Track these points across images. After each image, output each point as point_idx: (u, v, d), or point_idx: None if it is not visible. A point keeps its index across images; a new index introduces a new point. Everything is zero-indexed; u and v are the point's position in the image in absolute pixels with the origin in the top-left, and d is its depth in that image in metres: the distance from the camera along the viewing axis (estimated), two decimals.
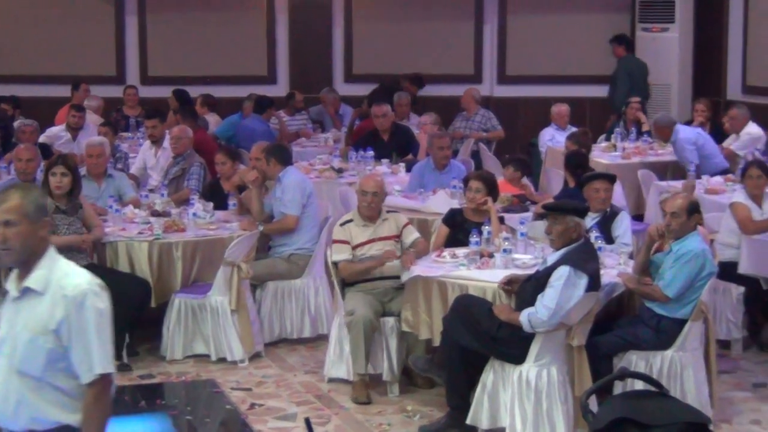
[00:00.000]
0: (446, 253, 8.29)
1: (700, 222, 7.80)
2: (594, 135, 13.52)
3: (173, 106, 14.67)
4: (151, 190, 11.03)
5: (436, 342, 7.72)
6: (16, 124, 13.54)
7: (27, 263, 4.44)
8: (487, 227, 8.52)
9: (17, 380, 4.42)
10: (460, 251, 8.27)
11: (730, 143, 12.73)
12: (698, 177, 11.43)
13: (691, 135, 12.34)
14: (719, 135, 13.27)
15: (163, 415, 7.81)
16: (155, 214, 9.62)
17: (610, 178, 9.15)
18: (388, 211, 8.73)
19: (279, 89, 16.34)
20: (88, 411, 4.41)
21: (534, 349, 7.08)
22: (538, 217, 7.78)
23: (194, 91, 15.18)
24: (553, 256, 7.27)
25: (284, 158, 9.77)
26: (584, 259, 7.12)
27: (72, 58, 16.86)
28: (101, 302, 4.40)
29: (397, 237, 8.55)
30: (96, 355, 4.39)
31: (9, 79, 16.50)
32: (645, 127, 14.14)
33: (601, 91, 16.15)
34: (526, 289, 7.25)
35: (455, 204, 9.60)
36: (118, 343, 8.76)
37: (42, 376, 4.39)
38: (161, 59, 16.93)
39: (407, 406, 8.00)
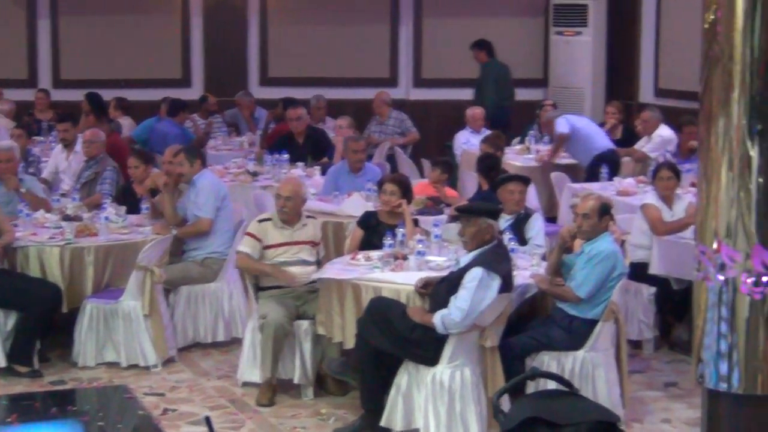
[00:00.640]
0: (361, 255, 8.27)
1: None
2: (508, 138, 13.60)
3: (86, 109, 14.50)
4: (63, 194, 10.87)
5: (350, 344, 7.70)
6: None
7: None
8: (401, 230, 8.53)
9: None
10: (375, 254, 8.27)
11: (642, 145, 12.86)
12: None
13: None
14: (632, 137, 13.41)
15: (75, 422, 7.69)
16: (67, 218, 9.50)
17: (524, 180, 9.21)
18: (308, 216, 8.65)
19: (194, 92, 16.21)
20: None
21: (447, 350, 7.10)
22: (452, 219, 7.80)
23: (108, 95, 15.00)
24: (466, 258, 7.29)
25: (204, 160, 9.76)
26: (497, 261, 7.15)
27: None
28: None
29: (314, 243, 8.50)
30: None
31: None
32: None
33: (517, 94, 16.24)
34: (440, 290, 7.27)
35: (370, 207, 9.60)
36: (29, 348, 8.68)
37: None
38: (74, 62, 16.72)
39: (321, 409, 7.97)
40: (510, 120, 15.18)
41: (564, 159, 12.95)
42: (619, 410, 7.41)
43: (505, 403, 6.39)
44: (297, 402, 8.13)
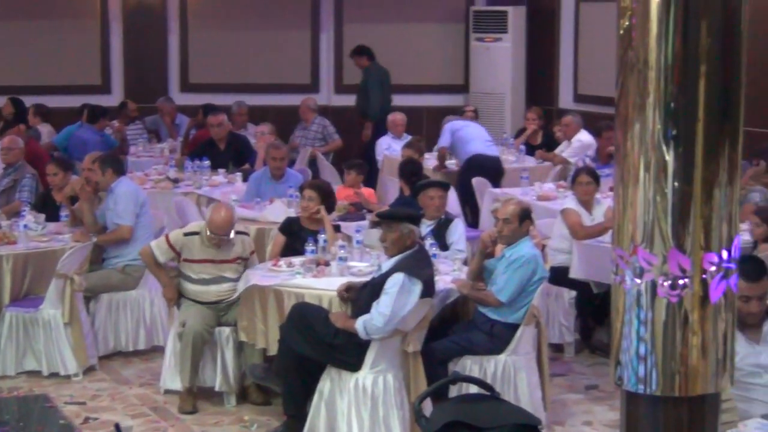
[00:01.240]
0: (282, 261, 8.27)
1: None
2: (430, 144, 13.66)
3: (6, 112, 14.36)
4: None
5: (272, 351, 7.69)
6: None
7: None
8: (323, 235, 8.54)
9: None
10: (297, 260, 8.27)
11: (562, 151, 12.99)
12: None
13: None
14: (551, 143, 13.54)
15: None
16: None
17: (444, 186, 9.26)
18: (238, 233, 8.52)
19: (114, 99, 16.09)
20: None
21: (370, 355, 7.11)
22: (374, 225, 7.83)
23: (27, 101, 14.84)
24: (387, 263, 7.31)
25: (119, 168, 9.66)
26: (418, 266, 7.18)
27: None
28: None
29: (242, 259, 8.44)
30: None
31: None
32: None
33: (437, 100, 16.33)
34: (362, 296, 7.28)
35: (292, 213, 9.60)
36: None
37: None
38: None
39: (244, 416, 7.96)
40: None
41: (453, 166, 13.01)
42: (541, 413, 7.48)
43: (428, 408, 6.41)
44: (220, 409, 8.11)
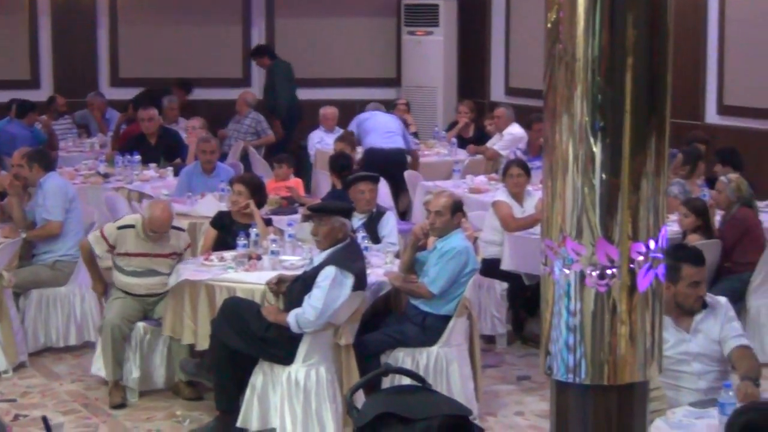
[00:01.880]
0: (214, 256, 8.23)
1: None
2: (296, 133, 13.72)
3: None
4: None
5: (201, 346, 7.67)
6: None
7: None
8: (254, 229, 8.52)
9: None
10: (228, 254, 8.24)
11: (494, 143, 13.05)
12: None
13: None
14: (483, 136, 13.60)
15: None
16: None
17: (374, 179, 9.27)
18: (173, 228, 8.41)
19: (43, 93, 15.91)
20: None
21: (302, 349, 7.11)
22: (306, 218, 7.83)
23: None
24: (319, 257, 7.31)
25: (46, 164, 9.57)
26: (350, 259, 7.19)
27: None
28: None
29: (176, 254, 8.39)
30: None
31: None
32: (412, 129, 14.38)
33: (370, 94, 16.31)
34: (294, 289, 7.28)
35: (223, 207, 9.56)
36: None
37: None
38: None
39: (176, 411, 7.92)
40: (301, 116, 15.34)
41: (420, 158, 13.07)
42: (473, 404, 7.52)
43: (361, 401, 6.42)
44: (151, 404, 8.06)
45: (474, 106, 14.41)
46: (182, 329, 7.77)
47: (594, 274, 4.08)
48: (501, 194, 9.69)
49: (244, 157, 13.50)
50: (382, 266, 8.13)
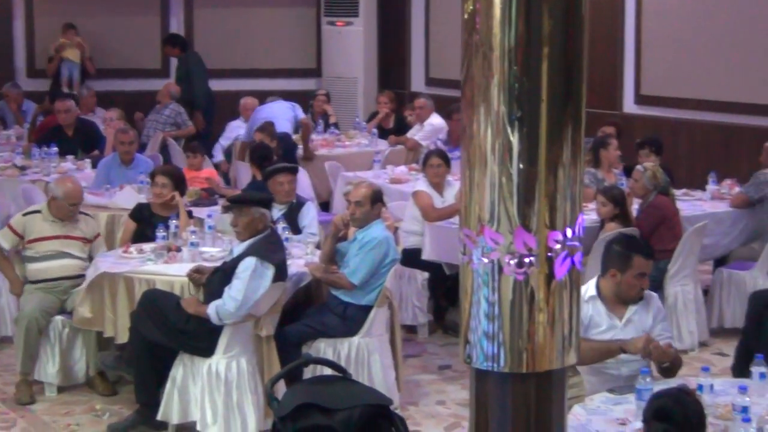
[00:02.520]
0: (133, 248, 8.17)
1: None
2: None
3: None
4: None
5: (121, 339, 7.61)
6: None
7: None
8: (174, 221, 8.47)
9: None
10: (148, 246, 8.19)
11: (414, 134, 13.08)
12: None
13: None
14: (403, 126, 13.62)
15: None
16: None
17: (293, 170, 9.25)
18: (82, 213, 8.41)
19: None
20: None
21: (223, 341, 7.09)
22: (225, 210, 7.80)
23: None
24: (239, 248, 7.29)
25: None
26: (270, 250, 7.17)
27: None
28: None
29: (86, 240, 8.32)
30: None
31: None
32: (332, 119, 14.38)
33: (290, 85, 16.29)
34: (214, 281, 7.24)
35: (142, 199, 9.49)
36: None
37: None
38: None
39: (96, 405, 7.86)
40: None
41: (339, 149, 13.06)
42: (395, 394, 7.54)
43: (282, 391, 6.41)
44: (71, 398, 7.99)
45: (394, 97, 14.43)
46: (102, 321, 7.69)
47: (512, 262, 4.10)
48: (421, 184, 9.71)
49: (163, 149, 13.40)
50: (302, 257, 8.13)
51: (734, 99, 12.19)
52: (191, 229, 8.29)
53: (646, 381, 5.23)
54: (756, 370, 5.44)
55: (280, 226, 8.43)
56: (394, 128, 13.74)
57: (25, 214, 8.28)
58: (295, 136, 12.75)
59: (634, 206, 9.32)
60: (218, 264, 7.52)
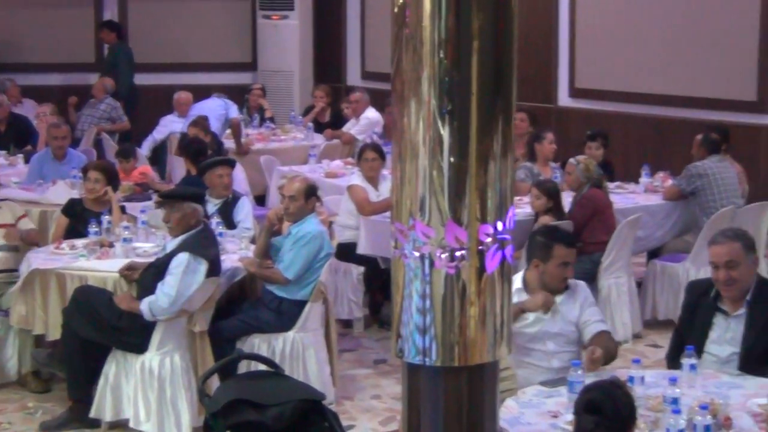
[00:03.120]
0: (65, 244, 8.09)
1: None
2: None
3: None
4: None
5: (52, 336, 7.53)
6: None
7: None
8: (106, 217, 8.41)
9: None
10: (80, 242, 8.11)
11: (350, 128, 13.06)
12: None
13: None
14: (339, 120, 13.60)
15: None
16: None
17: (230, 163, 9.21)
18: (2, 200, 8.37)
19: None
20: None
21: (156, 337, 7.04)
22: (158, 205, 7.74)
23: None
24: (172, 243, 7.24)
25: None
26: (204, 245, 7.14)
27: None
28: None
29: (11, 226, 8.24)
30: None
31: None
32: (268, 113, 14.33)
33: (225, 78, 16.20)
34: (147, 277, 7.20)
35: (75, 194, 9.40)
36: None
37: None
38: None
39: (28, 403, 7.77)
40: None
41: (275, 143, 13.02)
42: (330, 389, 7.53)
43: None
44: (3, 396, 7.90)
45: (330, 91, 14.40)
46: (33, 319, 7.61)
47: (443, 256, 4.10)
48: (356, 178, 9.70)
49: (97, 143, 13.29)
50: (236, 252, 8.09)
51: (668, 92, 12.28)
52: (124, 224, 8.22)
53: (578, 373, 5.26)
54: (686, 361, 5.48)
55: (215, 221, 8.38)
56: (330, 122, 13.71)
57: None
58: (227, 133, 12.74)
59: (569, 199, 9.36)
60: (151, 260, 7.47)
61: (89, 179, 8.81)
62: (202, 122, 11.59)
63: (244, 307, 7.69)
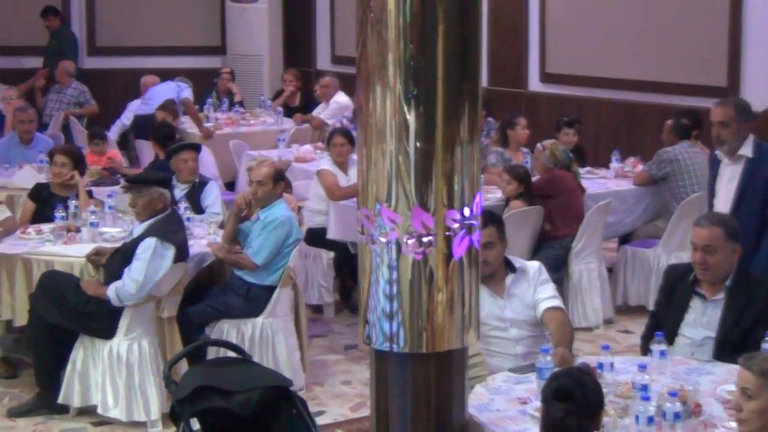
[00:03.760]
0: (31, 229, 8.03)
1: (287, 190, 7.96)
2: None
3: None
4: None
5: (19, 322, 7.48)
6: None
7: None
8: (73, 201, 8.34)
9: None
10: (46, 226, 8.05)
11: (320, 112, 13.01)
12: None
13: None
14: (310, 104, 13.55)
15: None
16: None
17: (196, 148, 9.16)
18: None
19: None
20: None
21: (124, 322, 6.99)
22: (125, 190, 7.68)
23: None
24: (139, 228, 7.19)
25: None
26: (171, 230, 7.09)
27: None
28: None
29: None
30: None
31: None
32: (237, 98, 14.27)
33: (194, 62, 16.12)
34: (114, 262, 7.14)
35: (42, 178, 9.34)
36: None
37: None
38: None
39: None
40: None
41: (244, 127, 12.98)
42: (300, 374, 7.51)
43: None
44: None
45: (300, 75, 14.34)
46: (0, 305, 7.55)
47: (410, 242, 4.08)
48: (325, 163, 9.65)
49: (65, 128, 13.20)
50: (205, 237, 8.05)
51: (638, 77, 12.27)
52: (91, 209, 8.16)
53: (546, 360, 5.23)
54: (656, 348, 5.47)
55: (183, 206, 8.34)
56: (300, 106, 13.65)
57: None
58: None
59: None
60: (118, 245, 7.41)
61: (56, 163, 8.74)
62: (170, 106, 11.52)
63: (212, 292, 7.64)
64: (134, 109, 13.52)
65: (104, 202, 8.55)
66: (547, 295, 6.06)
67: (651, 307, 7.37)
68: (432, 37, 3.95)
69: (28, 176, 9.70)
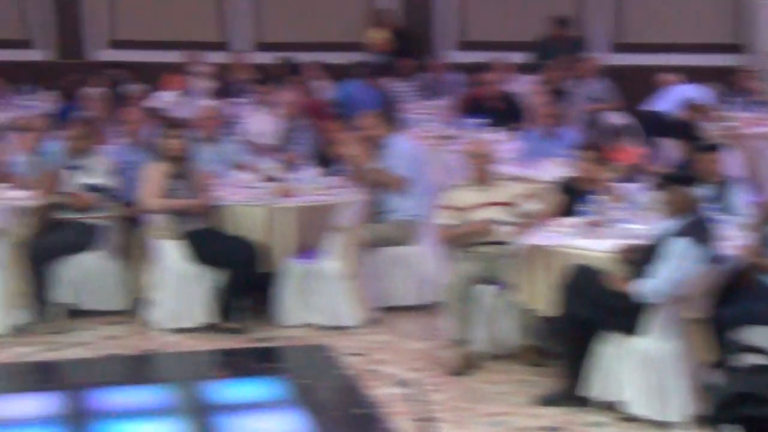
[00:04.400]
0: (561, 221, 8.22)
1: None
2: None
3: (281, 72, 14.75)
4: (262, 156, 11.01)
5: (548, 313, 7.64)
6: (125, 88, 13.80)
7: None
8: (599, 196, 8.39)
9: None
10: (571, 220, 8.20)
11: None
12: None
13: None
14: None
15: (278, 378, 7.85)
16: (267, 179, 9.61)
17: (715, 149, 8.98)
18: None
19: None
20: None
21: (651, 320, 6.98)
22: (659, 187, 7.61)
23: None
24: (667, 226, 7.14)
25: (393, 124, 9.87)
26: (702, 232, 7.05)
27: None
28: None
29: (512, 204, 8.44)
30: None
31: (120, 44, 16.75)
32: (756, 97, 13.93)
33: (712, 60, 15.88)
34: (641, 258, 7.17)
35: (565, 172, 9.44)
36: (231, 306, 8.84)
37: None
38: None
39: (524, 375, 7.91)
40: None
41: None
42: None
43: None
44: (498, 368, 8.07)
45: None
46: (534, 296, 7.75)
47: None
48: None
49: (590, 123, 13.34)
50: (733, 238, 7.82)
51: None
52: (616, 204, 8.22)
53: None
54: None
55: (708, 207, 8.22)
56: None
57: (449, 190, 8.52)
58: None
59: None
60: (645, 242, 7.40)
61: (582, 159, 8.84)
62: (698, 107, 11.40)
63: (745, 295, 7.43)
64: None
65: (629, 198, 8.54)
66: None
67: None
68: None
69: (552, 169, 9.90)
